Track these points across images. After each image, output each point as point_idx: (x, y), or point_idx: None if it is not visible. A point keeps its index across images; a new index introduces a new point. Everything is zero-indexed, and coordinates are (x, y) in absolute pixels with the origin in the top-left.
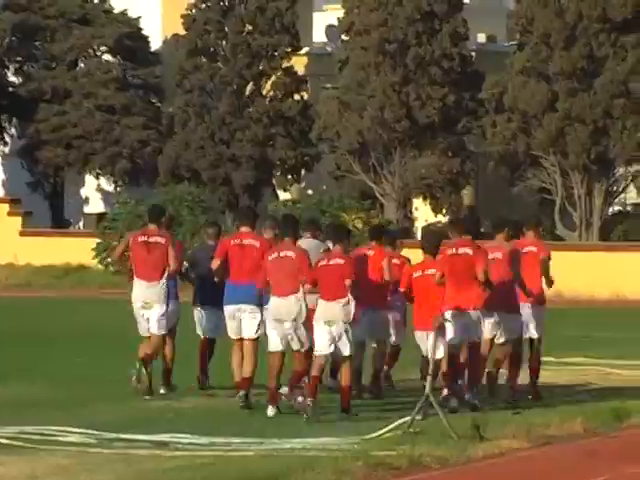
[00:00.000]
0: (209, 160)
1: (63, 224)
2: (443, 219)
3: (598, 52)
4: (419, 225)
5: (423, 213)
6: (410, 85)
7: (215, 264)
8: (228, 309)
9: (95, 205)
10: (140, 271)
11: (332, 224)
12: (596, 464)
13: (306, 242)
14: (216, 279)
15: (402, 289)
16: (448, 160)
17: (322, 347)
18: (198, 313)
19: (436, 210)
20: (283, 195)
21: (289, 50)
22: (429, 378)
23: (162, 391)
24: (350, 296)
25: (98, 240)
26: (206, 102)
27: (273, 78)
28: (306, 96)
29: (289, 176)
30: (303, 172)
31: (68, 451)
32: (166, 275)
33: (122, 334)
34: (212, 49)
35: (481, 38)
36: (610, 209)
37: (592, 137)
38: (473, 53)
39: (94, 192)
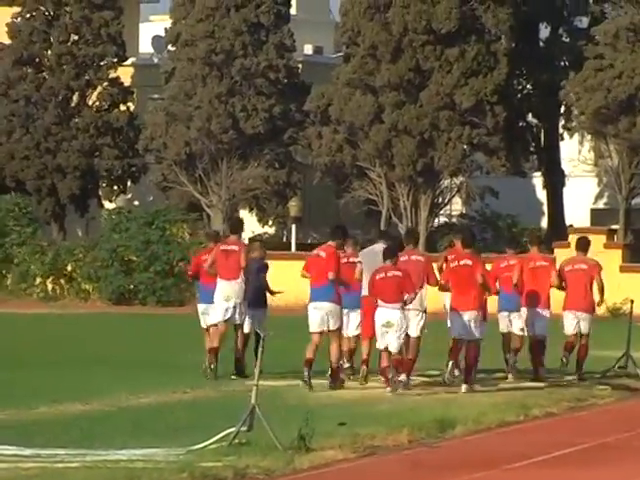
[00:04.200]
0: (34, 170)
1: None
2: (270, 230)
3: (424, 65)
4: (246, 236)
5: (250, 224)
6: (236, 96)
7: (303, 274)
8: (310, 305)
9: None
10: (222, 273)
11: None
12: (420, 474)
13: (379, 247)
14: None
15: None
16: (275, 171)
17: (381, 343)
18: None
19: (262, 221)
20: (109, 206)
21: (115, 61)
22: (254, 389)
23: (233, 377)
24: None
25: None
26: (32, 112)
27: (99, 89)
28: (133, 107)
29: (115, 187)
30: (129, 183)
31: None
32: (242, 276)
33: None
34: (37, 59)
35: (308, 50)
36: (436, 220)
37: (418, 149)
38: (300, 65)
39: None
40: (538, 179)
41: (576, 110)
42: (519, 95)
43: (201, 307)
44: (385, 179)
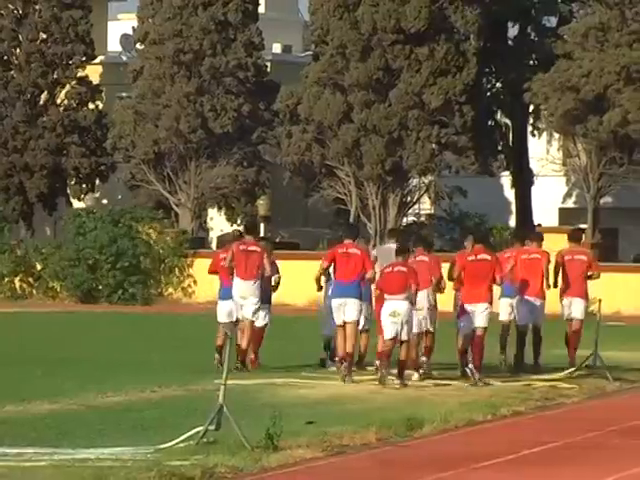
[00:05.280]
0: (2, 169)
1: None
2: (238, 229)
3: (393, 64)
4: (214, 235)
5: (218, 223)
6: (205, 95)
7: (324, 267)
8: (335, 302)
9: None
10: (240, 272)
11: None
12: (388, 473)
13: (392, 245)
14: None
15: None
16: (243, 170)
17: (387, 333)
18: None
19: (231, 220)
20: (77, 204)
21: (84, 59)
22: (222, 388)
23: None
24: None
25: None
26: None
27: (68, 87)
28: (101, 105)
29: (83, 185)
30: (98, 181)
31: None
32: (259, 276)
33: None
34: (6, 57)
35: (276, 48)
36: (404, 219)
37: (387, 148)
38: (268, 63)
39: None
40: (506, 178)
41: (545, 110)
42: (488, 94)
43: (221, 303)
44: (354, 178)
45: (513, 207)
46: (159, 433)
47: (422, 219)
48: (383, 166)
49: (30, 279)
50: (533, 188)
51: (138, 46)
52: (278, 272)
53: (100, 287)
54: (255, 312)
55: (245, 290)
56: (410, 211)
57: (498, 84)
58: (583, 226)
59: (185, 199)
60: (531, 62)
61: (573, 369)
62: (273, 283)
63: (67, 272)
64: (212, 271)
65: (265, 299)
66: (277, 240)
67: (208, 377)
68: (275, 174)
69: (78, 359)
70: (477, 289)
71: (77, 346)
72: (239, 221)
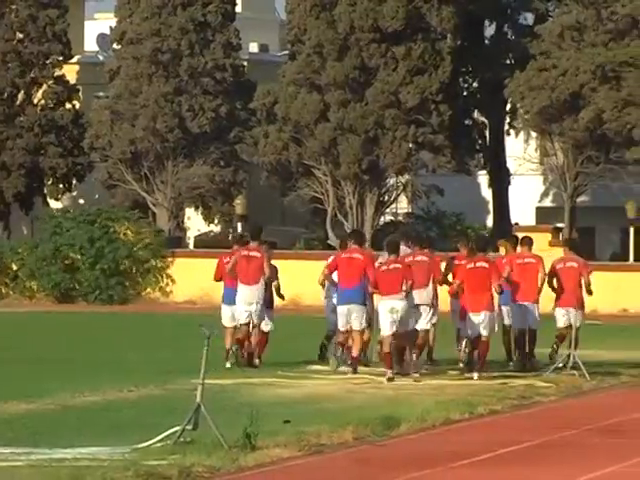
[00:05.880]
0: None
1: None
2: (215, 228)
3: (370, 63)
4: (191, 235)
5: (195, 222)
6: (183, 95)
7: (325, 273)
8: (341, 308)
9: None
10: (243, 278)
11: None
12: (365, 472)
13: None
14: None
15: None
16: (220, 170)
17: (386, 329)
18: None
19: (208, 219)
20: (54, 204)
21: (61, 59)
22: (200, 387)
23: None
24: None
25: None
26: None
27: (44, 87)
28: (78, 105)
29: (60, 185)
30: (75, 181)
31: None
32: (262, 280)
33: None
34: None
35: (253, 48)
36: (381, 219)
37: (364, 147)
38: (245, 62)
39: None
40: (484, 177)
41: (521, 109)
42: (464, 93)
43: (224, 308)
44: (331, 177)
45: (490, 206)
46: (136, 433)
47: (399, 218)
48: (360, 165)
49: (6, 279)
50: (510, 187)
51: (115, 46)
52: (277, 278)
53: (78, 287)
54: (261, 317)
55: (249, 295)
56: (387, 210)
57: (475, 83)
58: (560, 225)
59: (162, 199)
60: (508, 61)
61: (555, 366)
62: (273, 288)
63: (43, 271)
64: (218, 279)
65: (268, 303)
66: None
67: (185, 376)
68: (252, 173)
69: (55, 359)
70: (478, 296)
71: (54, 346)
72: (216, 221)
